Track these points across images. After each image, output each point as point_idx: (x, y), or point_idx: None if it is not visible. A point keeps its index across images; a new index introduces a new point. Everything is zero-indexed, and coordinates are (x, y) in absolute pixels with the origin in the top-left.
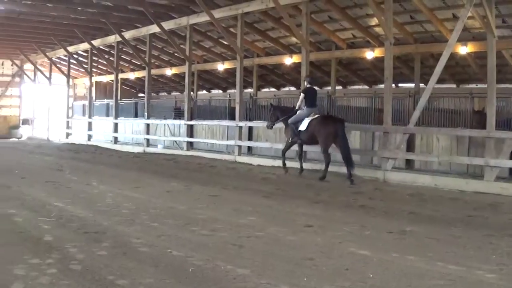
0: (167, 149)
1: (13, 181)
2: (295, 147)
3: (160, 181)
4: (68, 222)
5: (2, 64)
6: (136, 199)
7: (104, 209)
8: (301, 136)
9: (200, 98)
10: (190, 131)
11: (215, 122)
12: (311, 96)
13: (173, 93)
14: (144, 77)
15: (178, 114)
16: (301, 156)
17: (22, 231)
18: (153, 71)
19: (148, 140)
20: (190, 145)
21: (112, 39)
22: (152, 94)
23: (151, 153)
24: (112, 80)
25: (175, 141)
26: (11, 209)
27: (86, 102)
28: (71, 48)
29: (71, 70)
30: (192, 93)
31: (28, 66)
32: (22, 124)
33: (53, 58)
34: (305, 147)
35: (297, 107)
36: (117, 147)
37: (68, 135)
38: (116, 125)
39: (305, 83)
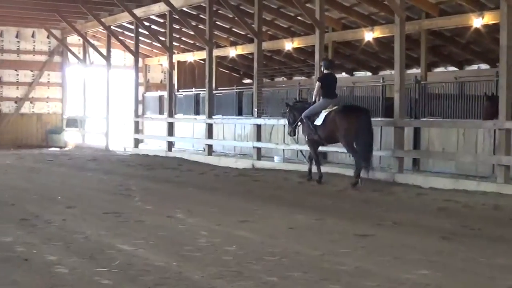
0: (288, 163)
1: (54, 212)
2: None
3: (279, 213)
4: (141, 275)
5: (33, 36)
6: (244, 240)
7: (195, 254)
8: (318, 132)
9: (338, 85)
10: None
11: None
12: (329, 84)
13: (296, 78)
14: (251, 53)
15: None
16: (318, 158)
17: None
18: (265, 45)
19: (259, 149)
20: (323, 157)
21: None
22: (265, 79)
23: (264, 170)
24: (203, 60)
25: (300, 151)
26: (51, 255)
27: (165, 93)
28: (139, 11)
29: (141, 45)
30: None
31: (73, 39)
32: (67, 126)
33: (112, 27)
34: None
35: (313, 99)
36: (212, 160)
37: (137, 142)
38: (210, 127)
39: (322, 69)
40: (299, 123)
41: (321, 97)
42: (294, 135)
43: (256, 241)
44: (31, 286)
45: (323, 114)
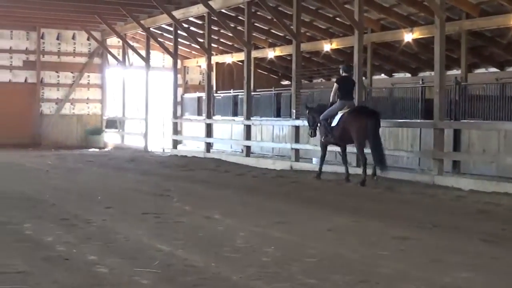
0: (327, 164)
1: (94, 212)
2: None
3: (317, 214)
4: (180, 275)
5: (74, 38)
6: (282, 241)
7: (233, 255)
8: (333, 133)
9: (377, 86)
10: None
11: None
12: (346, 87)
13: (334, 79)
14: (289, 55)
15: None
16: (345, 158)
17: None
18: (304, 46)
19: (297, 151)
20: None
21: None
22: (303, 81)
23: (302, 171)
24: (241, 61)
25: (338, 153)
26: (91, 255)
27: (203, 94)
28: (178, 13)
29: (179, 47)
30: (364, 78)
31: (113, 41)
32: (107, 127)
33: (152, 29)
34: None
35: (330, 101)
36: (250, 161)
37: (176, 143)
38: (248, 128)
39: (340, 72)
40: (318, 125)
41: (338, 99)
42: (314, 136)
43: (295, 242)
44: (72, 285)
45: (338, 116)
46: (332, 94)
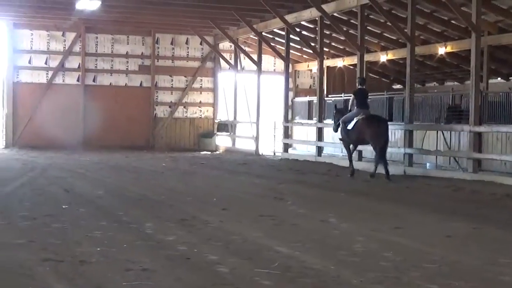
0: (440, 170)
1: (210, 213)
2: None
3: (434, 220)
4: (299, 277)
5: (187, 42)
6: (400, 246)
7: (352, 259)
8: (349, 135)
9: (494, 90)
10: (478, 142)
11: None
12: (361, 97)
13: (448, 83)
14: (402, 59)
15: (455, 115)
16: (351, 156)
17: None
18: (417, 50)
19: (410, 156)
20: (478, 165)
21: (352, 1)
22: (416, 85)
23: (415, 176)
24: (352, 65)
25: (454, 158)
26: (212, 255)
27: (314, 98)
28: (290, 17)
29: (290, 51)
30: (480, 82)
31: (225, 46)
32: (218, 130)
33: (263, 33)
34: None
35: (349, 108)
36: (361, 165)
37: (287, 147)
38: None
39: (357, 84)
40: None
41: (355, 107)
42: (336, 131)
43: (413, 248)
44: (194, 283)
45: (354, 121)
46: (350, 103)
